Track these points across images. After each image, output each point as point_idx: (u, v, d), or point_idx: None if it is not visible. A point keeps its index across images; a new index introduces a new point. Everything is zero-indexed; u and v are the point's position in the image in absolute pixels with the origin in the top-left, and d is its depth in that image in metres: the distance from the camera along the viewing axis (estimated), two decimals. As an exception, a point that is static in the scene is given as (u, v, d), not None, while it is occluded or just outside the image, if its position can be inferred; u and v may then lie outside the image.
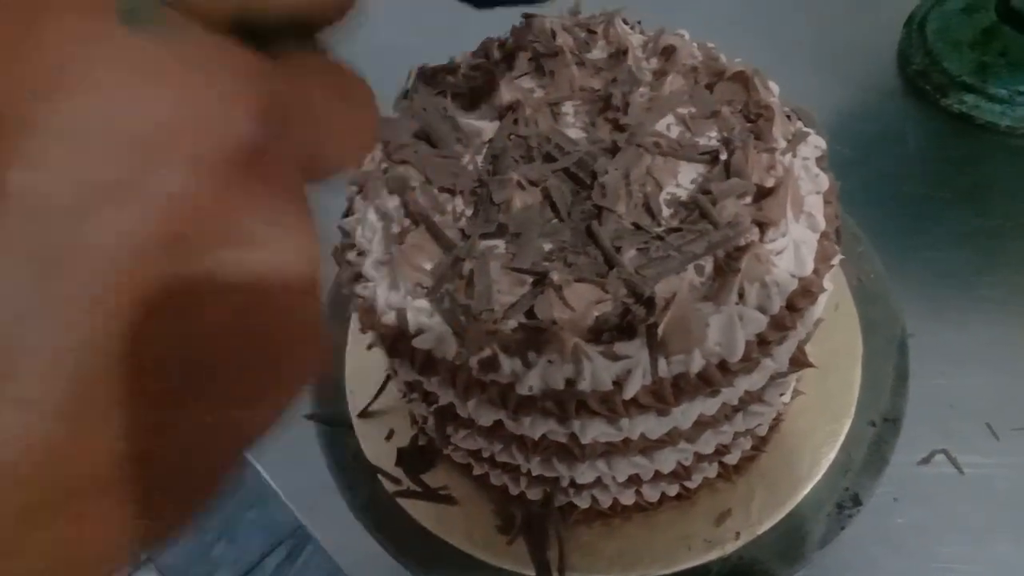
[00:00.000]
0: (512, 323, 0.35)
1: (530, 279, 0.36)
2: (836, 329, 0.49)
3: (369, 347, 0.40)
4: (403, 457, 0.48)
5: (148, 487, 0.15)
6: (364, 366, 0.51)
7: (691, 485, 0.44)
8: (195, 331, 0.15)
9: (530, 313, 0.35)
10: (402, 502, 0.47)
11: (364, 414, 0.50)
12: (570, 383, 0.35)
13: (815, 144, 0.40)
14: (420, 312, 0.37)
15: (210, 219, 0.14)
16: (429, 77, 0.44)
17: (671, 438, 0.38)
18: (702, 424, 0.38)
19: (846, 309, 0.51)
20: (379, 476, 0.48)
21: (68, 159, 0.13)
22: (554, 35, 0.45)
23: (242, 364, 0.16)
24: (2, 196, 0.13)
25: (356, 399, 0.51)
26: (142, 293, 0.14)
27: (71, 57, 0.13)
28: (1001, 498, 0.52)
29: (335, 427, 0.50)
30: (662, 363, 0.34)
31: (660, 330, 0.34)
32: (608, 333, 0.35)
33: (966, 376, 0.57)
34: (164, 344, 0.14)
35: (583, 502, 0.44)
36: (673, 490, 0.44)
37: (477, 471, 0.45)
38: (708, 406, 0.37)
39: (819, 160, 0.40)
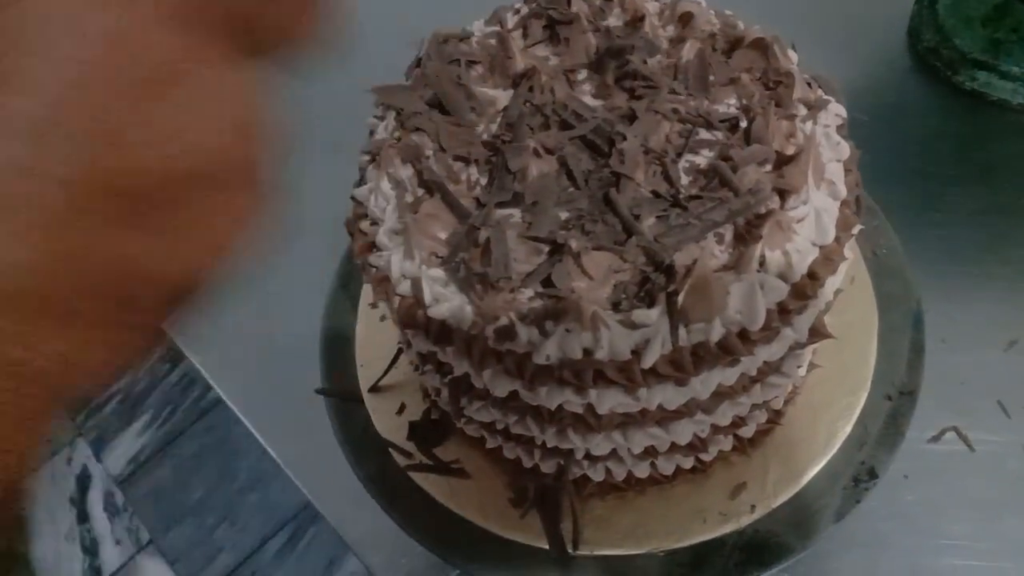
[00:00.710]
0: (529, 292, 0.35)
1: (547, 248, 0.36)
2: (852, 302, 0.49)
3: (382, 318, 0.40)
4: (415, 431, 0.47)
5: (115, 305, 0.17)
6: (374, 340, 0.51)
7: (706, 458, 0.44)
8: (134, 165, 0.16)
9: (547, 282, 0.35)
10: (414, 476, 0.47)
11: (375, 388, 0.50)
12: (588, 352, 0.34)
13: (835, 112, 0.40)
14: (435, 281, 0.36)
15: (146, 54, 0.16)
16: (442, 45, 0.43)
17: (688, 409, 0.38)
18: (720, 395, 0.38)
19: (862, 282, 0.50)
20: (391, 450, 0.47)
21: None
22: (569, 2, 0.44)
23: (176, 198, 0.17)
24: None
25: (367, 373, 0.50)
26: (88, 124, 0.15)
27: None
28: (1011, 475, 0.52)
29: (345, 401, 0.50)
30: (682, 332, 0.34)
31: (680, 298, 0.33)
32: (627, 301, 0.34)
33: (977, 353, 0.57)
34: (112, 172, 0.16)
35: (597, 475, 0.43)
36: (688, 463, 0.44)
37: (490, 444, 0.45)
38: (727, 376, 0.37)
39: (839, 128, 0.40)
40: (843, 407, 0.46)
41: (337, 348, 0.52)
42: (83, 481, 1.55)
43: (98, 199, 0.16)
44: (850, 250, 0.44)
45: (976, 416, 0.55)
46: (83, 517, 1.52)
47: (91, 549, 1.48)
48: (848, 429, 0.46)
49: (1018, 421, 0.55)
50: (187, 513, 1.50)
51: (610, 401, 0.36)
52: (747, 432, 0.44)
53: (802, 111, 0.39)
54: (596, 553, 0.43)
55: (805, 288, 0.36)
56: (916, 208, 0.66)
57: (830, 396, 0.47)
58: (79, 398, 0.18)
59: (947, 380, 0.56)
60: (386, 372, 0.50)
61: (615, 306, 0.35)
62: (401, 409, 0.49)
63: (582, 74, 0.41)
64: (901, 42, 0.76)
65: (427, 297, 0.36)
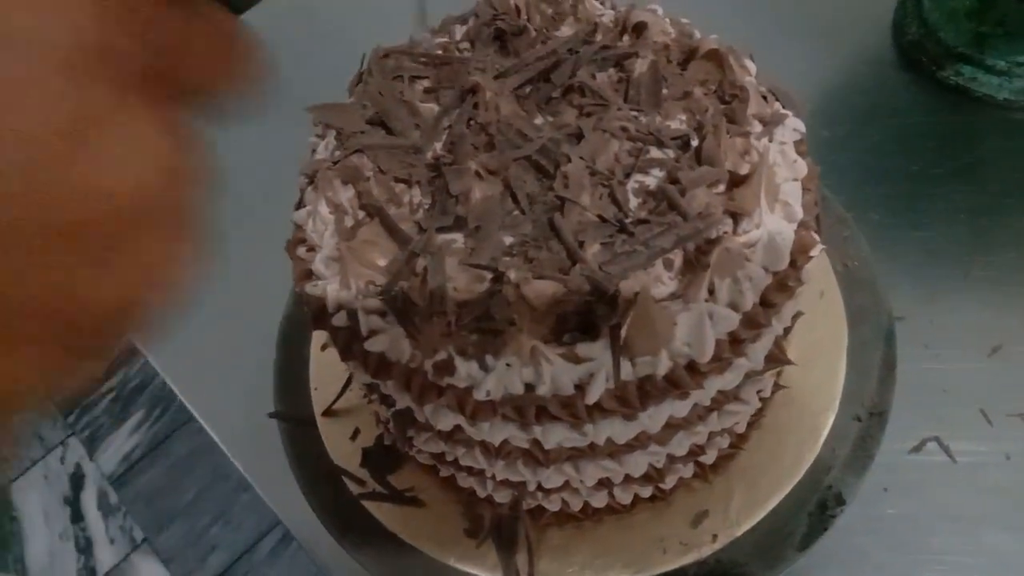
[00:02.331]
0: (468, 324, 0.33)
1: (489, 276, 0.34)
2: (820, 318, 0.47)
3: (323, 348, 0.38)
4: (368, 458, 0.46)
5: (59, 333, 0.18)
6: (328, 362, 0.49)
7: (665, 487, 0.42)
8: (52, 196, 0.17)
9: (487, 313, 0.33)
10: (367, 504, 0.45)
11: (328, 412, 0.48)
12: (529, 387, 0.33)
13: (793, 127, 0.38)
14: (372, 312, 0.35)
15: (91, 121, 0.17)
16: (385, 59, 0.41)
17: (640, 442, 0.36)
18: (673, 426, 0.36)
19: (831, 297, 0.49)
20: (343, 477, 0.46)
21: None
22: (519, 12, 0.42)
23: (111, 236, 0.18)
24: None
25: (320, 396, 0.49)
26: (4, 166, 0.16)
27: None
28: (994, 487, 0.51)
29: (298, 426, 0.48)
30: (626, 366, 0.32)
31: (623, 331, 0.32)
32: (569, 334, 0.33)
33: (959, 360, 0.56)
34: (25, 204, 0.16)
35: (552, 505, 0.42)
36: (647, 492, 0.42)
37: (443, 473, 0.43)
38: (678, 408, 0.35)
39: (798, 144, 0.38)
40: (810, 429, 0.44)
41: (292, 370, 0.50)
42: (76, 480, 1.55)
43: (30, 231, 0.17)
44: (817, 265, 0.42)
45: (958, 425, 0.54)
46: (77, 516, 1.52)
47: (85, 549, 1.48)
48: (815, 452, 0.44)
49: (1001, 430, 0.53)
50: (180, 512, 1.50)
51: (556, 436, 0.35)
52: (708, 459, 0.42)
53: (757, 127, 0.37)
54: (552, 585, 0.42)
55: (758, 317, 0.34)
56: (898, 207, 0.64)
57: (796, 418, 0.45)
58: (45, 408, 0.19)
59: (928, 388, 0.55)
60: (338, 397, 0.48)
61: (558, 338, 0.33)
62: (355, 434, 0.48)
63: (530, 89, 0.40)
64: (885, 36, 0.75)
65: (364, 329, 0.35)
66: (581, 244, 0.34)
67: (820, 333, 0.47)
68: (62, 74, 0.16)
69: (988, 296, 0.59)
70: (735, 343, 0.34)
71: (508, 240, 0.35)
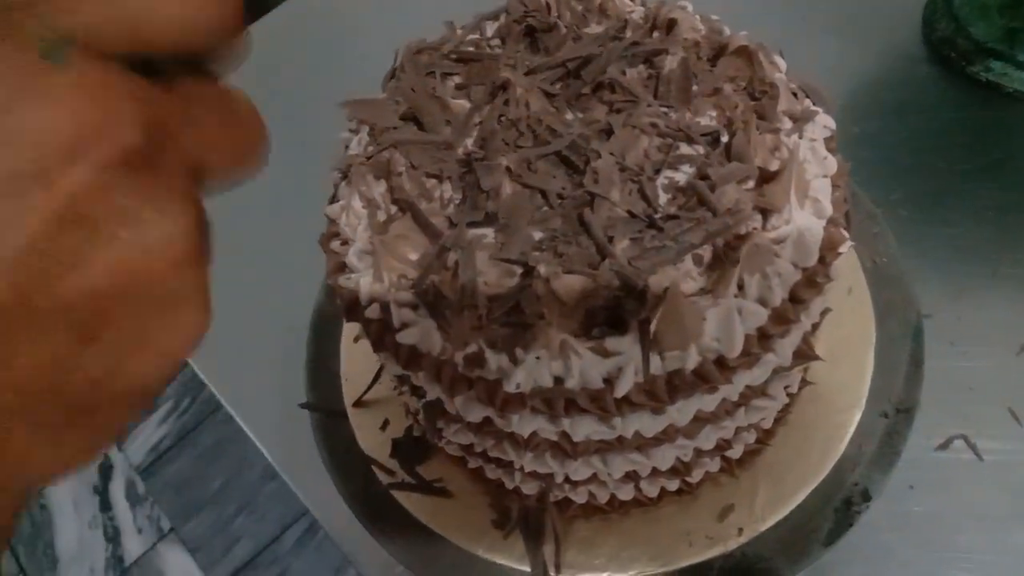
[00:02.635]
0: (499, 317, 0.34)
1: (519, 270, 0.35)
2: (848, 314, 0.47)
3: (356, 339, 0.39)
4: (398, 448, 0.47)
5: (51, 420, 0.19)
6: (359, 354, 0.50)
7: (692, 480, 0.42)
8: (84, 286, 0.18)
9: (517, 307, 0.34)
10: (397, 494, 0.46)
11: (359, 403, 0.49)
12: (559, 380, 0.33)
13: (824, 124, 0.38)
14: (404, 305, 0.35)
15: (101, 205, 0.17)
16: (418, 55, 0.42)
17: (667, 435, 0.37)
18: (701, 420, 0.37)
19: (859, 293, 0.48)
20: (373, 467, 0.46)
21: None
22: (550, 9, 0.43)
23: (127, 317, 0.19)
24: None
25: (351, 388, 0.49)
26: (37, 261, 0.17)
27: None
28: (1021, 485, 0.51)
29: (330, 416, 0.49)
30: (655, 360, 0.33)
31: (653, 325, 0.32)
32: (599, 328, 0.33)
33: (987, 358, 0.55)
34: (57, 297, 0.17)
35: (579, 497, 0.42)
36: (673, 485, 0.42)
37: (472, 464, 0.44)
38: (706, 403, 0.35)
39: (828, 141, 0.38)
40: (836, 425, 0.44)
41: (323, 361, 0.51)
42: (105, 470, 1.57)
43: (39, 315, 0.17)
44: (845, 261, 0.42)
45: (985, 423, 0.53)
46: (106, 506, 1.54)
47: (113, 537, 1.50)
48: (841, 449, 0.44)
49: (1029, 429, 0.53)
50: (207, 502, 1.51)
51: (585, 429, 0.35)
52: (735, 453, 0.42)
53: (787, 124, 0.37)
54: (579, 577, 0.42)
55: (787, 312, 0.34)
56: (927, 204, 0.64)
57: (823, 414, 0.45)
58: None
59: (955, 386, 0.55)
60: (369, 388, 0.49)
61: (587, 332, 0.33)
62: (385, 425, 0.48)
63: (560, 86, 0.40)
64: (915, 32, 0.74)
65: (396, 321, 0.35)
66: (610, 239, 0.34)
67: (848, 329, 0.47)
68: (64, 162, 0.17)
69: (1016, 294, 0.58)
70: (763, 339, 0.34)
71: (538, 235, 0.35)
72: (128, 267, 0.18)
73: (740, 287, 0.33)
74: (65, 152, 0.17)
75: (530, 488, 0.42)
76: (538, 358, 0.33)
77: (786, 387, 0.40)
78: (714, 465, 0.42)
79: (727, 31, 0.41)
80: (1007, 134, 0.66)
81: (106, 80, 0.18)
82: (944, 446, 0.53)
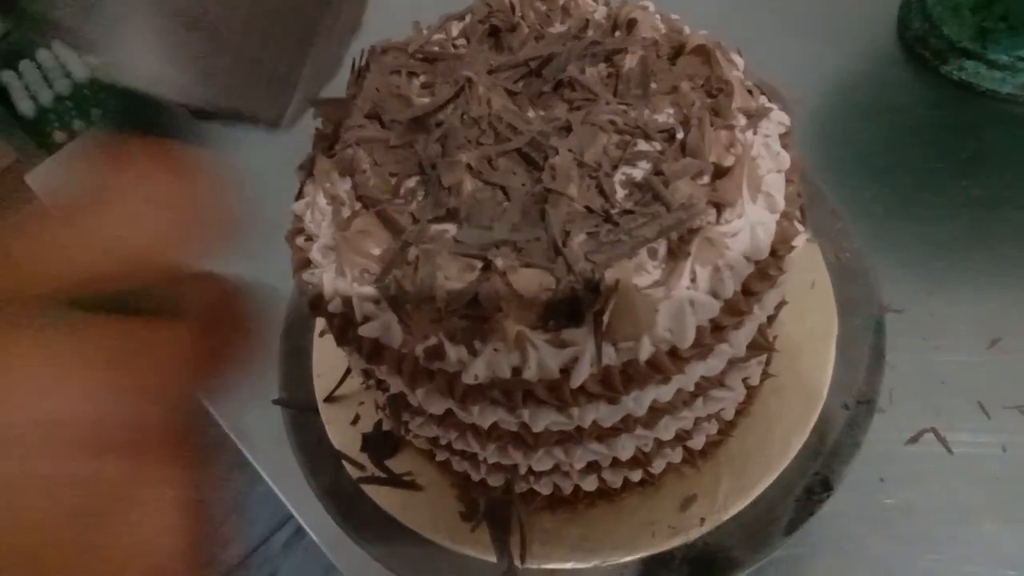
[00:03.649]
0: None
1: (478, 265, 0.35)
2: (811, 308, 0.48)
3: (320, 333, 0.39)
4: (367, 443, 0.47)
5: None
6: (331, 351, 0.51)
7: (654, 471, 0.43)
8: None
9: (476, 300, 0.34)
10: (367, 488, 0.46)
11: (330, 399, 0.50)
12: (516, 371, 0.34)
13: (778, 120, 0.39)
14: (366, 299, 0.36)
15: (109, 491, 0.17)
16: (383, 55, 0.42)
17: (626, 425, 0.37)
18: (658, 411, 0.37)
19: (822, 287, 0.49)
20: (343, 461, 0.47)
21: None
22: (514, 9, 0.43)
23: None
24: None
25: (323, 383, 0.50)
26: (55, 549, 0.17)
27: None
28: (990, 478, 0.52)
29: (301, 412, 0.50)
30: (609, 350, 0.33)
31: (606, 317, 0.33)
32: (555, 320, 0.34)
33: (958, 352, 0.56)
34: None
35: (544, 488, 0.43)
36: (636, 476, 0.43)
37: (439, 457, 0.44)
38: (662, 393, 0.36)
39: (783, 137, 0.39)
40: (798, 417, 0.45)
41: (296, 359, 0.52)
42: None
43: None
44: (810, 257, 0.43)
45: (955, 417, 0.54)
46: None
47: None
48: (803, 439, 0.45)
49: (998, 422, 0.54)
50: (195, 505, 1.51)
51: (543, 420, 0.36)
52: (697, 444, 0.43)
53: (742, 120, 0.38)
54: (544, 567, 0.43)
55: (739, 304, 0.35)
56: (901, 202, 0.65)
57: (785, 406, 0.46)
58: None
59: (926, 380, 0.55)
60: (339, 384, 0.49)
61: (544, 324, 0.34)
62: (356, 420, 0.49)
63: (522, 84, 0.41)
64: (891, 32, 0.76)
65: (358, 315, 0.36)
66: (568, 234, 0.35)
67: (810, 323, 0.47)
68: (77, 455, 0.17)
69: (987, 289, 0.59)
70: (716, 330, 0.35)
71: (498, 230, 0.36)
72: (139, 549, 0.18)
73: (692, 280, 0.34)
74: (76, 441, 0.17)
75: (496, 480, 0.43)
76: (496, 350, 0.34)
77: (746, 379, 0.41)
78: (676, 456, 0.43)
79: (687, 30, 0.42)
80: (980, 132, 0.67)
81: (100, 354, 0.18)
82: (915, 439, 0.53)
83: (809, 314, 0.47)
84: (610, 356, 0.34)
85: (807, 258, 0.48)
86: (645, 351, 0.34)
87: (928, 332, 0.57)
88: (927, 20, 0.72)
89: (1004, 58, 0.68)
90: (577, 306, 0.34)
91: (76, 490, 0.17)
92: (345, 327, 0.37)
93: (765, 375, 0.45)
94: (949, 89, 0.69)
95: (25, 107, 0.66)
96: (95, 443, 0.17)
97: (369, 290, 0.36)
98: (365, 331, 0.36)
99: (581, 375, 0.34)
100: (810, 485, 0.44)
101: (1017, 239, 0.61)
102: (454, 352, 0.34)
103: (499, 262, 0.34)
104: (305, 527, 0.54)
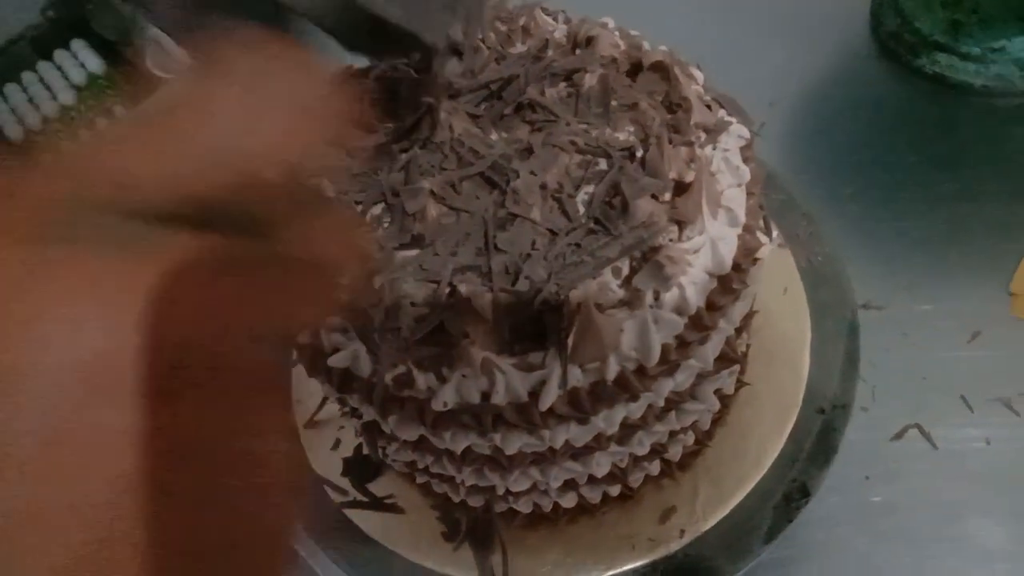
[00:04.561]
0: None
1: (445, 291, 0.36)
2: (784, 314, 0.48)
3: (293, 364, 0.40)
4: (348, 467, 0.48)
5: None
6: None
7: (632, 485, 0.43)
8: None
9: (442, 326, 0.35)
10: (349, 512, 0.47)
11: (310, 424, 0.50)
12: (485, 396, 0.34)
13: (738, 134, 0.39)
14: (334, 330, 0.36)
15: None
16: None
17: (599, 443, 0.38)
18: (630, 427, 0.38)
19: (795, 292, 0.50)
20: (325, 487, 0.47)
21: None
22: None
23: None
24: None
25: (302, 409, 0.50)
26: None
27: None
28: (974, 473, 0.52)
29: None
30: (576, 372, 0.34)
31: (570, 339, 0.33)
32: (520, 344, 0.34)
33: (939, 347, 0.57)
34: None
35: (524, 507, 0.43)
36: (615, 491, 0.43)
37: (419, 480, 0.45)
38: (632, 410, 0.36)
39: (743, 150, 0.39)
40: (774, 424, 0.46)
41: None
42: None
43: None
44: (781, 261, 0.43)
45: (938, 412, 0.54)
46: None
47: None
48: (780, 446, 0.45)
49: (981, 416, 0.54)
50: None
51: (515, 442, 0.36)
52: (674, 456, 0.43)
53: (702, 136, 0.38)
54: (527, 584, 0.43)
55: (703, 320, 0.35)
56: (878, 198, 0.65)
57: (761, 413, 0.46)
58: None
59: (908, 376, 0.56)
60: (318, 410, 0.50)
61: (511, 349, 0.34)
62: (336, 444, 0.49)
63: (484, 107, 0.41)
64: (864, 28, 0.76)
65: (326, 346, 0.36)
66: (530, 257, 0.35)
67: (783, 329, 0.48)
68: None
69: (967, 283, 0.60)
70: (682, 346, 0.35)
71: (462, 255, 0.36)
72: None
73: (656, 298, 0.34)
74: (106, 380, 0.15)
75: (475, 500, 0.43)
76: (464, 376, 0.34)
77: (718, 390, 0.41)
78: (654, 468, 0.43)
79: (646, 46, 0.42)
80: (955, 126, 0.68)
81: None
82: (899, 436, 0.54)
83: (782, 320, 0.47)
84: (577, 377, 0.34)
85: (779, 264, 0.48)
86: (612, 371, 0.34)
87: (908, 328, 0.58)
88: (899, 15, 0.72)
89: (976, 51, 0.68)
90: (542, 328, 0.34)
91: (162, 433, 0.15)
92: (315, 357, 0.37)
93: (740, 384, 0.46)
94: (923, 83, 0.70)
95: (12, 131, 0.66)
96: (188, 379, 0.16)
97: (337, 320, 0.36)
98: (334, 361, 0.36)
99: (549, 398, 0.34)
100: (788, 492, 0.44)
101: (994, 232, 0.61)
102: (423, 379, 0.34)
103: (463, 287, 0.34)
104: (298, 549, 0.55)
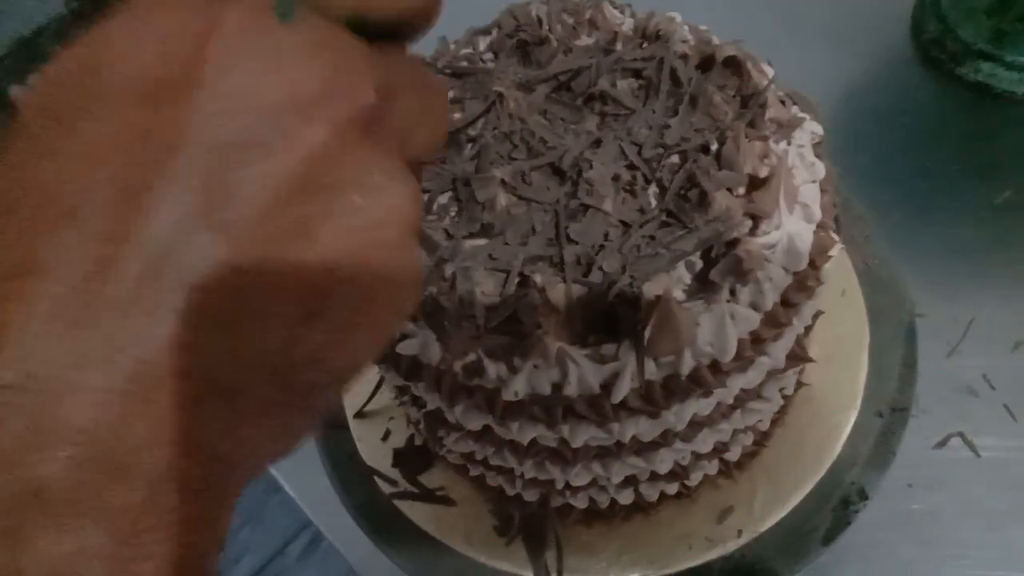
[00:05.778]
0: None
1: (515, 280, 0.35)
2: (842, 316, 0.48)
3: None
4: (399, 458, 0.47)
5: (272, 399, 0.18)
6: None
7: (691, 483, 0.43)
8: (316, 257, 0.17)
9: (515, 316, 0.34)
10: (399, 503, 0.46)
11: (360, 414, 0.50)
12: (556, 387, 0.34)
13: (811, 130, 0.39)
14: (403, 317, 0.36)
15: (337, 168, 0.17)
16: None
17: (665, 439, 0.37)
18: (697, 424, 0.37)
19: (852, 295, 0.49)
20: (375, 478, 0.47)
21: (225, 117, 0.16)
22: (541, 23, 0.43)
23: (352, 289, 0.18)
24: (178, 134, 0.16)
25: (352, 399, 0.50)
26: (267, 231, 0.16)
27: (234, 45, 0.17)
28: (1018, 482, 0.51)
29: (331, 428, 0.50)
30: (650, 365, 0.33)
31: (647, 332, 0.33)
32: (594, 336, 0.34)
33: (982, 356, 0.56)
34: (287, 269, 0.17)
35: (580, 503, 0.43)
36: (673, 489, 0.43)
37: (473, 472, 0.44)
38: (702, 406, 0.36)
39: (816, 147, 0.39)
40: (832, 426, 0.45)
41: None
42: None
43: (266, 289, 0.17)
44: (839, 264, 0.43)
45: (982, 421, 0.54)
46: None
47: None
48: (838, 449, 0.44)
49: (1024, 425, 0.53)
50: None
51: (583, 435, 0.36)
52: (732, 456, 0.43)
53: (776, 131, 0.38)
54: (581, 581, 0.43)
55: (778, 316, 0.35)
56: (919, 205, 0.65)
57: (819, 415, 0.46)
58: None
59: (952, 384, 0.55)
60: (369, 399, 0.49)
61: (583, 340, 0.34)
62: (386, 435, 0.49)
63: (553, 98, 0.41)
64: (905, 35, 0.75)
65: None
66: (603, 248, 0.35)
67: (842, 331, 0.47)
68: (300, 123, 0.17)
69: (1009, 292, 0.59)
70: (757, 342, 0.35)
71: (533, 245, 0.36)
72: (360, 236, 0.17)
73: (732, 292, 0.34)
74: (301, 112, 0.17)
75: (531, 495, 0.43)
76: (536, 366, 0.34)
77: (781, 389, 0.41)
78: (712, 468, 0.43)
79: (716, 40, 0.42)
80: (997, 134, 0.67)
81: (338, 38, 0.18)
82: (942, 444, 0.53)
83: (840, 322, 0.47)
84: (651, 371, 0.33)
85: (837, 266, 0.48)
86: (687, 365, 0.34)
87: (951, 336, 0.57)
88: (942, 22, 0.71)
89: (1020, 59, 0.67)
90: (616, 321, 0.34)
91: (309, 161, 0.17)
92: (382, 344, 0.36)
93: (799, 384, 0.45)
94: (965, 92, 0.69)
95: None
96: (328, 111, 0.17)
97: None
98: (403, 348, 0.36)
99: (622, 390, 0.33)
100: (846, 495, 0.44)
101: (1036, 242, 0.61)
102: (493, 369, 0.34)
103: (537, 277, 0.34)
104: (325, 533, 0.54)
